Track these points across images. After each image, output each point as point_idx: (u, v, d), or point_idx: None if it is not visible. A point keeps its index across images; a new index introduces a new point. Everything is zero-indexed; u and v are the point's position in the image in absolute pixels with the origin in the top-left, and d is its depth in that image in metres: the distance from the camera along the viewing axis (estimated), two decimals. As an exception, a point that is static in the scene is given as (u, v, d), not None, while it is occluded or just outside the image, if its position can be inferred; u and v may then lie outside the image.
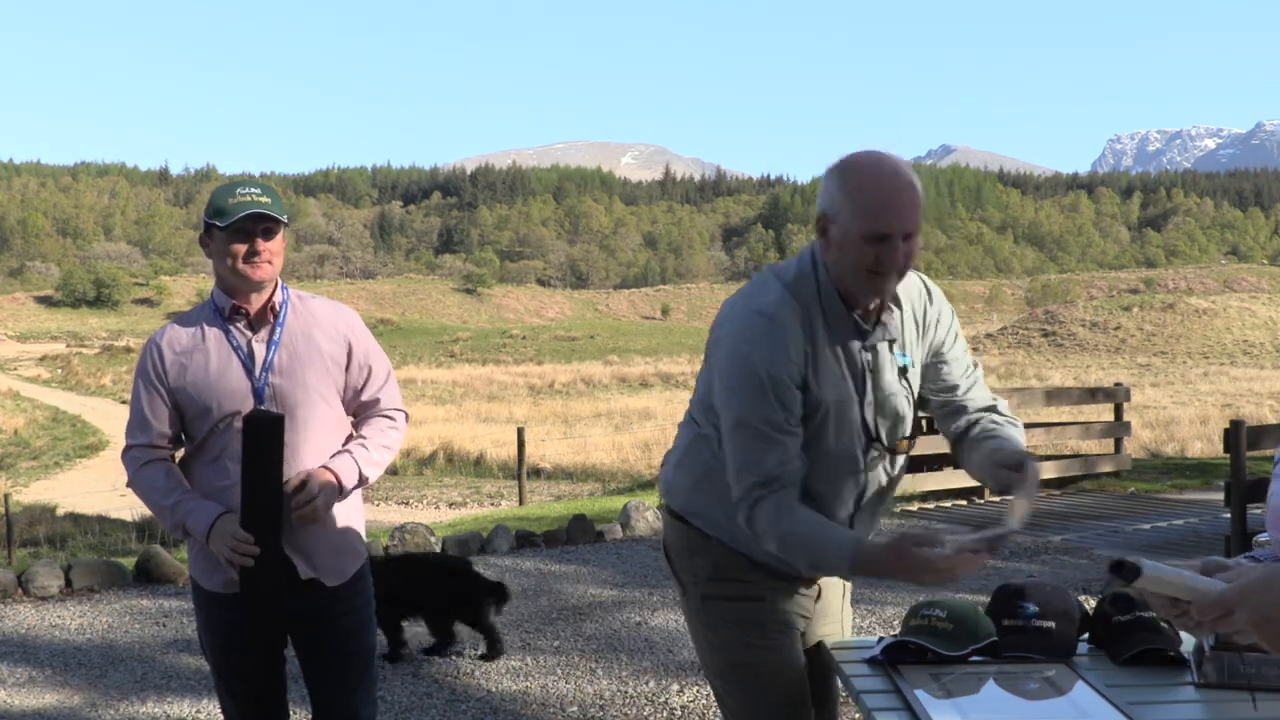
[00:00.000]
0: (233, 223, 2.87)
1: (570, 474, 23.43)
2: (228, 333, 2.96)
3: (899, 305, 2.54)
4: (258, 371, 2.94)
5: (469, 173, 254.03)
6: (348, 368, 3.04)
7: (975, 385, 2.70)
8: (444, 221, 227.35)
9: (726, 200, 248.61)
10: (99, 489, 23.74)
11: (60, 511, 17.63)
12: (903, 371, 2.56)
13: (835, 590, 2.81)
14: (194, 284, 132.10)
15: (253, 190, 2.92)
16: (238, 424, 2.89)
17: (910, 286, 2.58)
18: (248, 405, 2.91)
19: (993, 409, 2.69)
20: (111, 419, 38.49)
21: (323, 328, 3.03)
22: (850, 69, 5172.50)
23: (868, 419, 2.52)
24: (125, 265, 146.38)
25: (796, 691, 2.67)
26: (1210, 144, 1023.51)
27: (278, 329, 2.98)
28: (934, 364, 2.66)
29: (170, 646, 6.28)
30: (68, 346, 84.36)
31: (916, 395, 2.64)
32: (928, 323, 2.63)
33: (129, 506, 18.01)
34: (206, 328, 2.97)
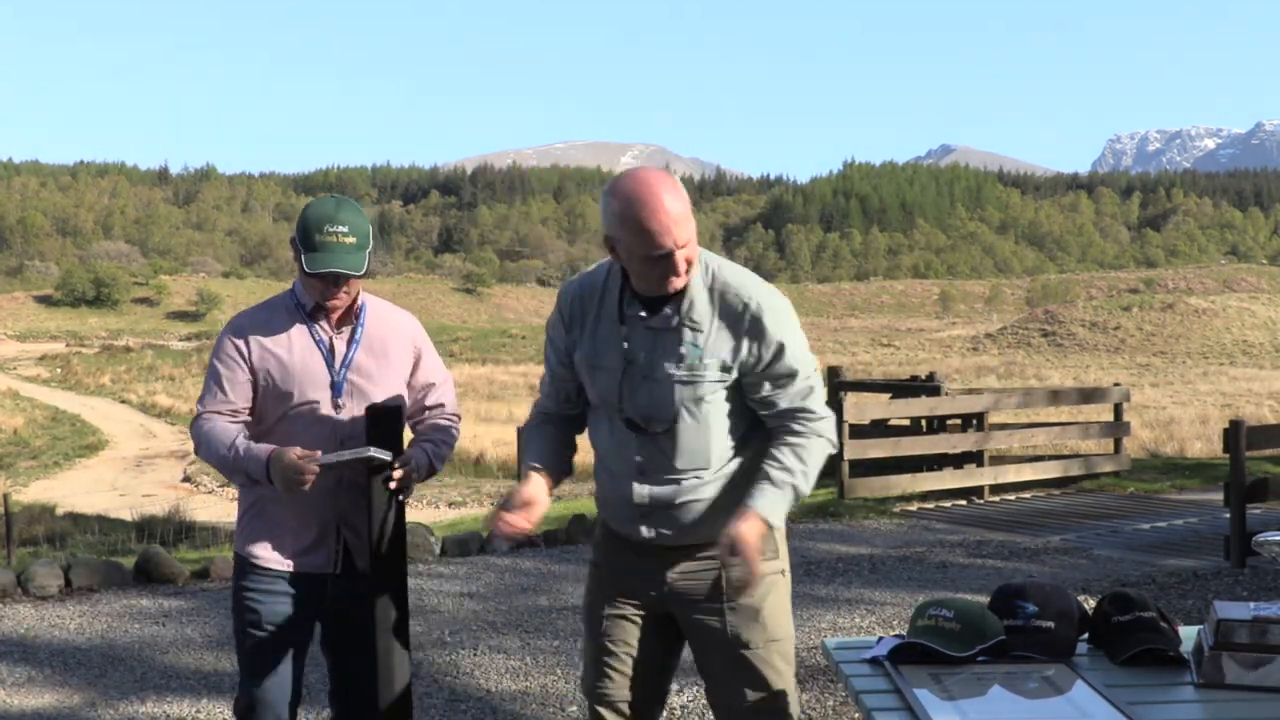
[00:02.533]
0: (313, 274, 2.98)
1: (569, 474, 23.33)
2: (310, 328, 3.09)
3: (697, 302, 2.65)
4: (337, 366, 3.08)
5: (469, 172, 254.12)
6: (414, 372, 3.22)
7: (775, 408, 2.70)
8: (443, 221, 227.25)
9: (726, 200, 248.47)
10: (99, 488, 23.78)
11: (60, 511, 17.61)
12: (680, 359, 2.65)
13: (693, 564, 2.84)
14: (194, 283, 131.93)
15: (340, 230, 2.97)
16: (321, 410, 3.06)
17: (727, 291, 2.66)
18: (325, 397, 3.06)
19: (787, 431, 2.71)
20: (111, 419, 38.47)
21: (396, 333, 3.19)
22: (850, 68, 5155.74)
23: (622, 388, 2.72)
24: (125, 265, 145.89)
25: (613, 650, 2.96)
26: (1210, 144, 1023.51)
27: (358, 329, 3.12)
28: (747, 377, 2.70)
29: (170, 646, 6.27)
30: (67, 346, 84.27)
31: (687, 383, 2.66)
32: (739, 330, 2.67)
33: (129, 506, 18.03)
34: (289, 320, 3.11)
